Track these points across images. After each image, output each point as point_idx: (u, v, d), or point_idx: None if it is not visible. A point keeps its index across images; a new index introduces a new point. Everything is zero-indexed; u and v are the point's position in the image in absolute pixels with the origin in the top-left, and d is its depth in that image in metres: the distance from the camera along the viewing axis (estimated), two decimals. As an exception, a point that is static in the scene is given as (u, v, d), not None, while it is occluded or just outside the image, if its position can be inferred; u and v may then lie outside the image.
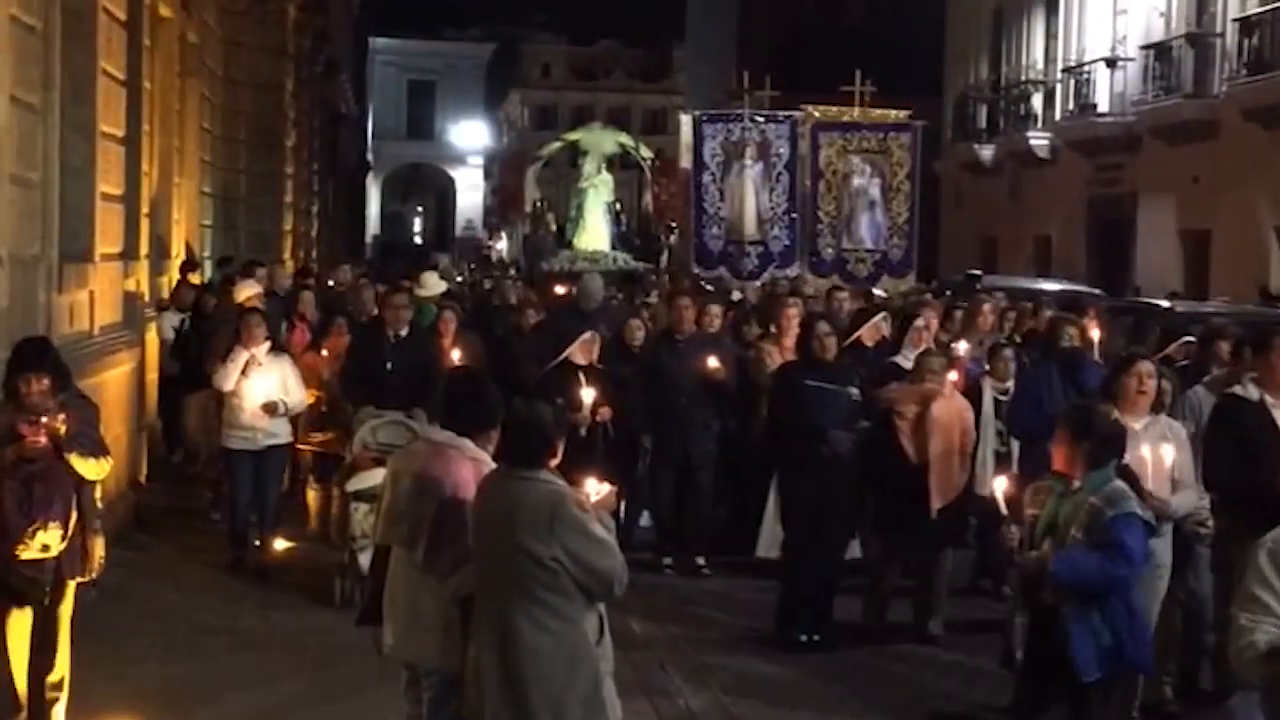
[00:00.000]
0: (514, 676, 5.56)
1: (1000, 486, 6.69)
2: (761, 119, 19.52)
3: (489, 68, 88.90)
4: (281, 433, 11.19)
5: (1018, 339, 12.89)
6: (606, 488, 5.78)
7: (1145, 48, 28.46)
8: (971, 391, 10.55)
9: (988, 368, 11.16)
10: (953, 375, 10.24)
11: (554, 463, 5.72)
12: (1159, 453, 7.47)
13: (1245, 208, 25.21)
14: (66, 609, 7.34)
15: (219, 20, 20.99)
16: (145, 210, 13.91)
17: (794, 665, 9.44)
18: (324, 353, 12.44)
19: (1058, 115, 32.62)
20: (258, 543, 11.27)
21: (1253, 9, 25.05)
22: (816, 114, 19.84)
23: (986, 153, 35.87)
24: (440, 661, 6.03)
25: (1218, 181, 26.17)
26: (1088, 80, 30.89)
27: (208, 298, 15.02)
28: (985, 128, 36.61)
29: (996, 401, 10.70)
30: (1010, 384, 10.75)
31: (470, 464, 6.00)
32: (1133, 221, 29.67)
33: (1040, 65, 34.53)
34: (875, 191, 19.41)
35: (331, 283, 18.29)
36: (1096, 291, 20.77)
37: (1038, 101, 34.16)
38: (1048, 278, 26.23)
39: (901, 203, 19.49)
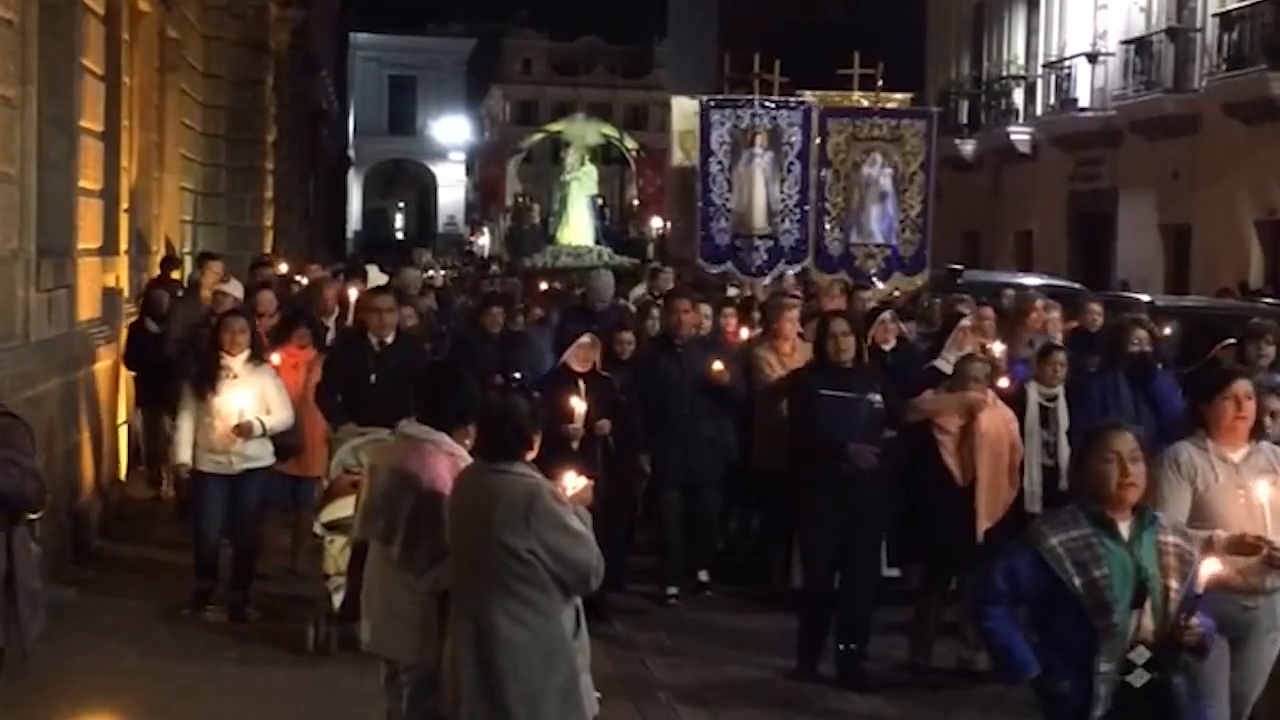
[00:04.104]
0: (490, 670, 5.55)
1: (1211, 570, 5.12)
2: (772, 105, 18.16)
3: (470, 63, 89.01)
4: (261, 456, 9.84)
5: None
6: (583, 481, 5.79)
7: (1126, 43, 28.53)
8: (1015, 398, 9.43)
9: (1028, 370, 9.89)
10: (1003, 381, 9.38)
11: (530, 456, 5.72)
12: None
13: (1225, 203, 25.28)
14: None
15: (199, 15, 20.90)
16: (125, 205, 13.86)
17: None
18: (284, 357, 10.79)
19: (1039, 110, 32.66)
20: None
21: (1232, 4, 25.10)
22: (815, 99, 19.20)
23: (968, 148, 35.88)
24: (418, 656, 6.03)
25: (1198, 176, 26.23)
26: (1068, 75, 30.94)
27: (159, 292, 13.61)
28: (967, 123, 36.64)
29: (1042, 409, 9.41)
30: (1059, 390, 9.51)
31: (446, 458, 6.00)
32: (1114, 216, 29.73)
33: (1021, 60, 34.55)
34: (886, 182, 18.12)
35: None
36: (1078, 286, 20.79)
37: (1019, 97, 34.18)
38: (1029, 273, 26.24)
39: (914, 195, 18.15)
